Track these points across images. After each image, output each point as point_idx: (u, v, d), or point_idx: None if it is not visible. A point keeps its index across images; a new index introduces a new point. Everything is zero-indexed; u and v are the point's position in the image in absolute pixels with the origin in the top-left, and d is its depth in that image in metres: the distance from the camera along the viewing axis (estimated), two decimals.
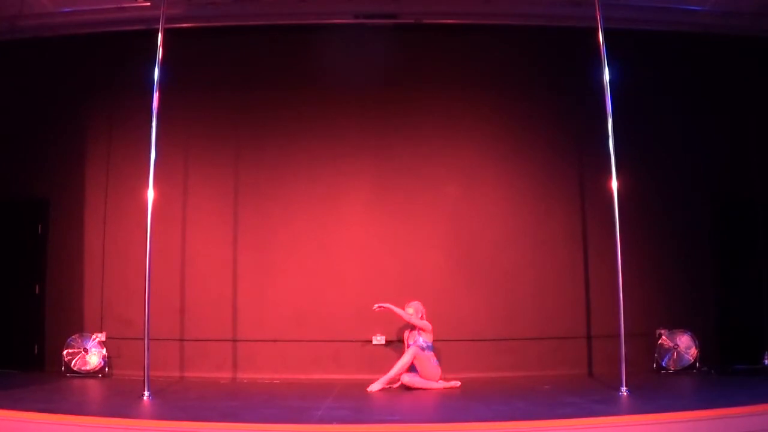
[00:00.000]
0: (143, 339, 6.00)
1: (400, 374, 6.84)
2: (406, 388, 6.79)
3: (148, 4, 7.52)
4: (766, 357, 7.63)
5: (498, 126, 8.18)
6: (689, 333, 7.59)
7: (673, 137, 8.15)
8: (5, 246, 8.08)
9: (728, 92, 8.22)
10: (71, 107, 8.20)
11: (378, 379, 6.80)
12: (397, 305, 7.05)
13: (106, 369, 7.56)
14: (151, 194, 6.16)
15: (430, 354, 6.92)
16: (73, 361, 7.54)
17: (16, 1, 7.40)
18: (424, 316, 7.05)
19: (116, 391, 6.58)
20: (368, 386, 6.74)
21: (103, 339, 7.62)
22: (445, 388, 6.82)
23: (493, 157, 8.17)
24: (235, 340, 7.74)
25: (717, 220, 8.09)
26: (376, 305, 7.09)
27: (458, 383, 6.89)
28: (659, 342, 7.63)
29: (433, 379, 6.87)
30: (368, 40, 8.11)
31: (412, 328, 7.01)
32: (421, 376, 6.88)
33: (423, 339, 6.92)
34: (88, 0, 7.61)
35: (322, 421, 4.92)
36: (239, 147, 8.12)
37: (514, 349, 7.71)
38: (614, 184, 6.24)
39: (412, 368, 6.92)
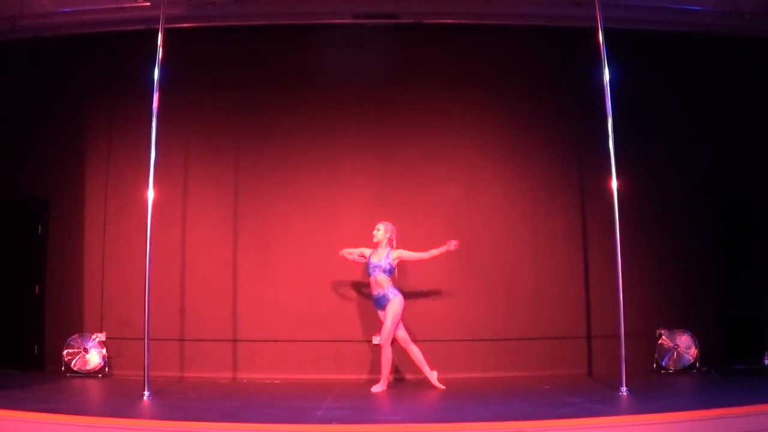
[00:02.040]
0: (143, 339, 5.99)
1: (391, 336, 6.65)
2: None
3: (148, 4, 7.52)
4: (766, 357, 7.61)
5: (498, 126, 8.19)
6: (689, 333, 7.59)
7: (673, 137, 8.15)
8: (5, 246, 8.08)
9: (728, 92, 8.22)
10: (71, 107, 8.20)
11: (375, 379, 6.78)
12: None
13: (106, 369, 7.56)
14: (151, 194, 6.16)
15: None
16: (73, 361, 7.54)
17: (16, 1, 7.40)
18: (394, 244, 6.83)
19: (116, 391, 6.58)
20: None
21: (103, 339, 7.62)
22: (431, 382, 6.72)
23: (493, 157, 8.17)
24: (235, 340, 7.74)
25: (717, 220, 8.09)
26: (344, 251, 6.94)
27: (443, 387, 6.70)
28: (659, 342, 7.63)
29: (396, 317, 6.60)
30: (368, 40, 8.11)
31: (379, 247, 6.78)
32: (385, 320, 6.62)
33: (390, 260, 6.68)
34: (88, 0, 7.61)
35: (322, 421, 4.92)
36: (239, 147, 8.12)
37: (514, 349, 7.71)
38: (614, 184, 6.24)
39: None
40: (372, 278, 6.75)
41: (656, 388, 6.43)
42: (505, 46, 8.26)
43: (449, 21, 8.14)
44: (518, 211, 8.05)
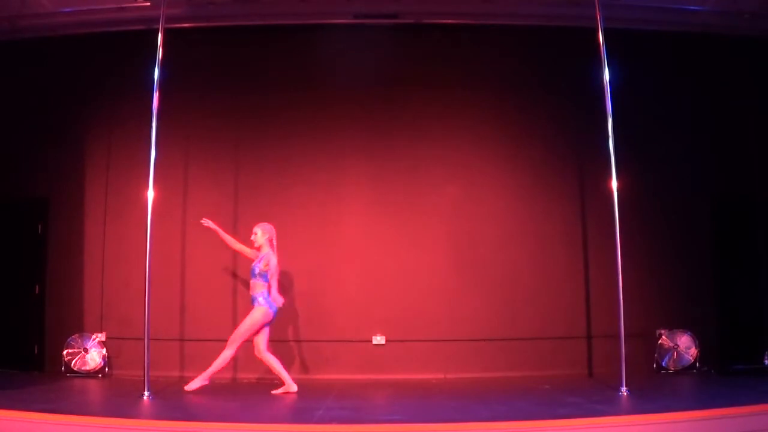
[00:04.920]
0: (143, 339, 6.01)
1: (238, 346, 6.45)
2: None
3: (148, 4, 7.52)
4: (766, 357, 7.62)
5: (498, 126, 8.18)
6: (689, 333, 7.60)
7: (673, 137, 8.15)
8: (5, 246, 8.07)
9: (728, 92, 8.21)
10: (71, 107, 8.20)
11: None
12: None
13: (106, 369, 7.57)
14: (151, 194, 6.17)
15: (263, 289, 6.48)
16: (73, 361, 7.55)
17: (16, 1, 7.41)
18: (274, 243, 6.68)
19: (116, 391, 6.58)
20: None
21: (103, 339, 7.63)
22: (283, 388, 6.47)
23: (493, 156, 8.17)
24: None
25: (717, 220, 8.08)
26: (204, 220, 6.81)
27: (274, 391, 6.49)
28: (659, 342, 7.63)
29: (250, 332, 6.42)
30: (368, 40, 8.11)
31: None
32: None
33: (260, 265, 6.52)
34: (88, 0, 7.61)
35: (322, 421, 4.92)
36: (239, 147, 8.12)
37: (514, 349, 7.71)
38: (614, 184, 6.25)
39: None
40: (251, 280, 6.62)
41: (656, 388, 6.43)
42: (504, 46, 8.26)
43: (449, 21, 8.14)
44: (518, 211, 8.05)
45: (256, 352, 6.57)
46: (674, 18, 7.92)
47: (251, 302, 6.60)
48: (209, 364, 7.54)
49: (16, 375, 7.37)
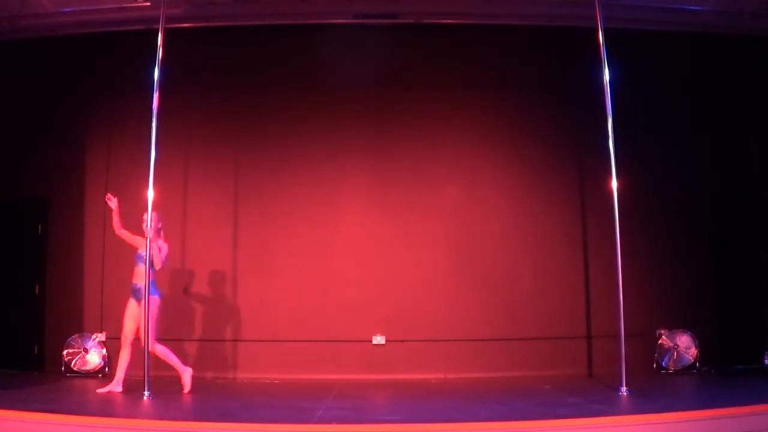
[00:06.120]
0: (143, 339, 5.99)
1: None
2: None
3: (148, 4, 7.52)
4: (766, 357, 7.62)
5: (498, 126, 8.19)
6: (689, 333, 7.60)
7: (673, 137, 8.15)
8: (5, 246, 8.07)
9: (728, 92, 8.21)
10: (71, 107, 8.20)
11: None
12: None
13: (106, 369, 7.56)
14: (151, 194, 6.17)
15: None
16: (73, 361, 7.55)
17: (16, 1, 7.41)
18: (162, 233, 6.44)
19: (116, 391, 6.57)
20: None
21: (103, 339, 7.63)
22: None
23: (493, 156, 8.18)
24: (235, 340, 7.75)
25: (717, 220, 8.08)
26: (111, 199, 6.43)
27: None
28: (659, 342, 7.63)
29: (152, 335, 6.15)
30: (368, 40, 8.11)
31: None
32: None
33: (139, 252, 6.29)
34: (88, 0, 7.61)
35: (321, 421, 4.92)
36: (239, 147, 8.13)
37: (514, 349, 7.71)
38: (614, 184, 6.24)
39: None
40: (136, 268, 6.43)
41: (656, 388, 6.43)
42: (504, 46, 8.26)
43: (449, 21, 8.14)
44: (518, 210, 8.06)
45: (122, 340, 6.35)
46: (674, 18, 7.92)
47: (135, 291, 6.32)
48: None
49: (16, 375, 7.37)
